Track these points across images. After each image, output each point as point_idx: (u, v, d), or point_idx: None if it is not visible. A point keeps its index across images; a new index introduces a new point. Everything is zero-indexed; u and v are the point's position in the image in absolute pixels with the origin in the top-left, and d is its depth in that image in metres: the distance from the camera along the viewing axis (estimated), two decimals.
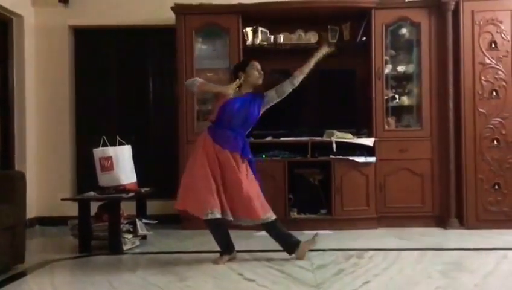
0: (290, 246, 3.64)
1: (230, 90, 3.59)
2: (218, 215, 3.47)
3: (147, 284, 3.11)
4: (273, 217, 3.59)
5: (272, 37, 5.07)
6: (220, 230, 3.65)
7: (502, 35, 4.62)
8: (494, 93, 4.61)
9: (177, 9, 4.88)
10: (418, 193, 4.76)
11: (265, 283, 3.07)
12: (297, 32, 5.10)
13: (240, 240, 4.33)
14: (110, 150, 4.25)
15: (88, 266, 3.68)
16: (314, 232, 3.87)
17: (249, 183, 3.58)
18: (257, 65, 3.72)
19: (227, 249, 3.66)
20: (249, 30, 5.07)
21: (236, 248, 3.99)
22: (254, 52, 5.08)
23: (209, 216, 3.47)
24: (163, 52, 5.43)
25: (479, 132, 4.61)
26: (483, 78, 4.62)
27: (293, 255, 3.63)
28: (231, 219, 3.55)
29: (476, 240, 4.17)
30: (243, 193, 3.51)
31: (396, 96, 4.95)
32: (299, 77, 3.72)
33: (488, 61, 4.62)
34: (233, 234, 4.50)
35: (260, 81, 3.72)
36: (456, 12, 4.67)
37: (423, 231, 4.57)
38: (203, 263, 3.59)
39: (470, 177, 4.62)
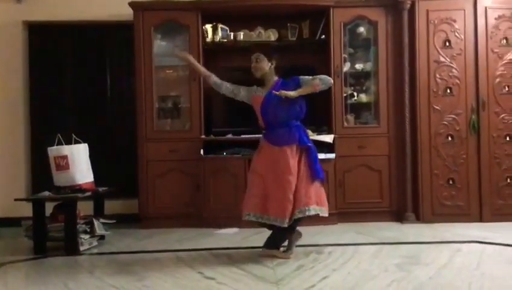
0: (277, 243, 3.62)
1: None
2: (253, 219, 3.53)
3: (104, 285, 3.05)
4: (297, 215, 3.50)
5: (232, 34, 5.06)
6: (274, 230, 3.61)
7: (456, 34, 4.75)
8: (448, 90, 4.74)
9: (135, 5, 4.80)
10: (376, 188, 4.84)
11: (225, 281, 3.06)
12: (257, 30, 5.10)
13: (200, 238, 4.34)
14: (66, 149, 4.15)
15: (43, 267, 3.58)
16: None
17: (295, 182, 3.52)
18: (252, 58, 3.70)
19: (286, 238, 3.65)
20: (208, 27, 5.04)
21: (197, 246, 4.00)
22: (214, 50, 5.09)
23: (246, 218, 3.56)
24: (121, 48, 5.33)
25: (434, 128, 4.73)
26: (437, 75, 4.74)
27: (267, 250, 3.60)
28: (265, 221, 3.55)
29: (432, 234, 4.27)
30: (281, 194, 3.50)
31: (355, 94, 5.03)
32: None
33: (442, 59, 4.74)
34: (193, 232, 4.53)
35: (255, 74, 3.68)
36: (411, 11, 4.76)
37: (381, 226, 4.66)
38: (163, 263, 3.55)
39: (425, 172, 4.73)
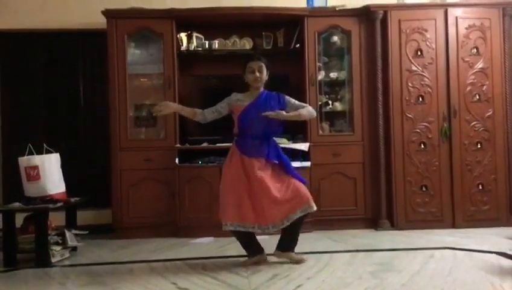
0: (288, 246, 3.63)
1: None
2: (232, 228, 3.52)
3: None
4: (289, 221, 3.50)
5: (207, 42, 5.04)
6: (242, 237, 3.63)
7: (427, 43, 4.83)
8: (420, 98, 4.81)
9: (108, 13, 4.75)
10: (351, 196, 4.87)
11: None
12: (232, 38, 5.11)
13: (175, 247, 4.31)
14: (37, 159, 4.07)
15: (13, 280, 3.49)
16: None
17: (275, 188, 3.51)
18: (253, 67, 3.62)
19: (252, 252, 3.64)
20: (183, 35, 5.02)
21: (171, 256, 3.96)
22: (189, 58, 5.07)
23: (223, 228, 3.54)
24: (95, 56, 5.27)
25: (406, 136, 4.79)
26: (410, 84, 4.80)
27: (282, 252, 3.63)
28: (257, 231, 3.57)
29: (405, 241, 4.31)
30: (264, 202, 3.51)
31: (330, 102, 5.06)
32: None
33: (414, 68, 4.81)
34: (168, 242, 4.49)
35: (256, 84, 3.64)
36: (384, 21, 4.83)
37: (356, 233, 4.69)
38: (136, 274, 3.50)
39: (399, 179, 4.78)
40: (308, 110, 3.71)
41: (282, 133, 3.84)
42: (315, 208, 3.56)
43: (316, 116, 4.79)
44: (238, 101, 3.67)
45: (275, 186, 3.53)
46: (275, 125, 3.64)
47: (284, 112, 3.57)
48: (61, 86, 5.34)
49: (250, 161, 3.56)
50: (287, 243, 3.63)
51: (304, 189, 3.58)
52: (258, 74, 3.62)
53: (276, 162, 3.61)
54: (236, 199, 3.54)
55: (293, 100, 3.73)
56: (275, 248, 3.66)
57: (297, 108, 3.69)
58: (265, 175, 3.54)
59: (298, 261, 3.60)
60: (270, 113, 3.51)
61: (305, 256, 3.69)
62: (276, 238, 3.70)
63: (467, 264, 3.48)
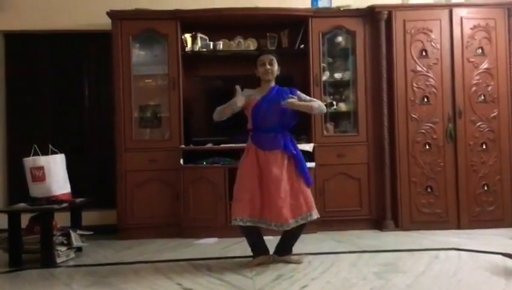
0: (289, 249, 3.68)
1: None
2: (241, 223, 3.51)
3: None
4: (299, 222, 3.55)
5: (211, 43, 5.05)
6: (251, 235, 3.65)
7: (432, 43, 4.82)
8: (425, 99, 4.80)
9: (113, 14, 4.77)
10: (355, 196, 4.86)
11: None
12: (236, 39, 5.11)
13: (179, 248, 4.32)
14: (42, 160, 4.08)
15: (19, 280, 3.51)
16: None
17: (285, 187, 3.53)
18: (263, 60, 3.67)
19: (258, 252, 3.66)
20: (187, 36, 5.03)
21: (176, 256, 3.97)
22: (193, 59, 5.08)
23: (232, 223, 3.56)
24: (100, 57, 5.29)
25: (411, 137, 4.78)
26: (414, 85, 4.79)
27: (279, 257, 3.68)
28: (262, 226, 3.58)
29: (410, 241, 4.30)
30: (273, 199, 3.52)
31: (334, 103, 5.05)
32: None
33: (419, 68, 4.80)
34: (173, 243, 4.50)
35: (267, 77, 3.67)
36: (388, 22, 4.82)
37: (360, 234, 4.68)
38: (141, 274, 3.51)
39: (403, 180, 4.77)
40: (319, 104, 3.74)
41: (296, 124, 3.79)
42: (316, 217, 3.60)
43: (321, 116, 4.86)
44: (251, 96, 3.69)
45: (285, 188, 3.54)
46: (289, 117, 3.65)
47: (296, 100, 3.59)
48: (66, 86, 5.37)
49: (266, 156, 3.58)
50: (284, 248, 3.68)
51: (307, 195, 3.59)
52: (268, 66, 3.66)
53: (294, 152, 3.62)
54: (250, 194, 3.55)
55: (304, 95, 3.77)
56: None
57: (306, 99, 3.73)
58: (280, 173, 3.54)
59: (297, 261, 3.62)
60: (286, 102, 3.53)
61: (303, 255, 3.72)
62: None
63: (472, 265, 3.47)
